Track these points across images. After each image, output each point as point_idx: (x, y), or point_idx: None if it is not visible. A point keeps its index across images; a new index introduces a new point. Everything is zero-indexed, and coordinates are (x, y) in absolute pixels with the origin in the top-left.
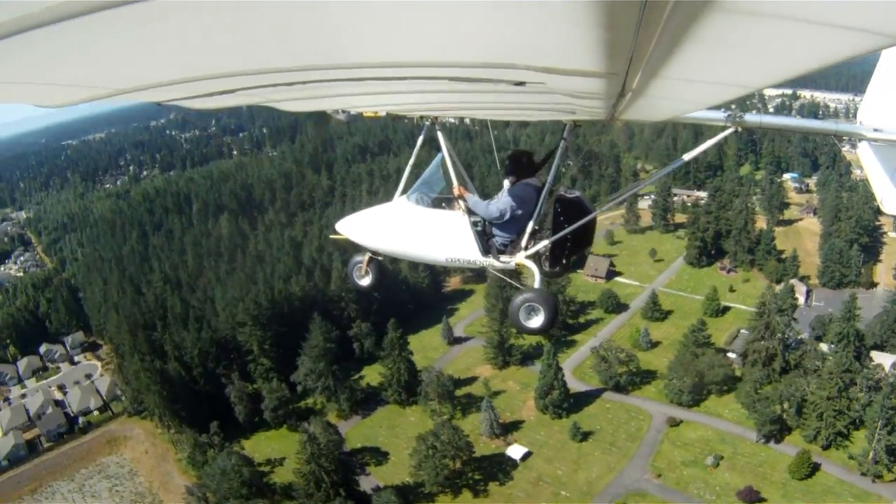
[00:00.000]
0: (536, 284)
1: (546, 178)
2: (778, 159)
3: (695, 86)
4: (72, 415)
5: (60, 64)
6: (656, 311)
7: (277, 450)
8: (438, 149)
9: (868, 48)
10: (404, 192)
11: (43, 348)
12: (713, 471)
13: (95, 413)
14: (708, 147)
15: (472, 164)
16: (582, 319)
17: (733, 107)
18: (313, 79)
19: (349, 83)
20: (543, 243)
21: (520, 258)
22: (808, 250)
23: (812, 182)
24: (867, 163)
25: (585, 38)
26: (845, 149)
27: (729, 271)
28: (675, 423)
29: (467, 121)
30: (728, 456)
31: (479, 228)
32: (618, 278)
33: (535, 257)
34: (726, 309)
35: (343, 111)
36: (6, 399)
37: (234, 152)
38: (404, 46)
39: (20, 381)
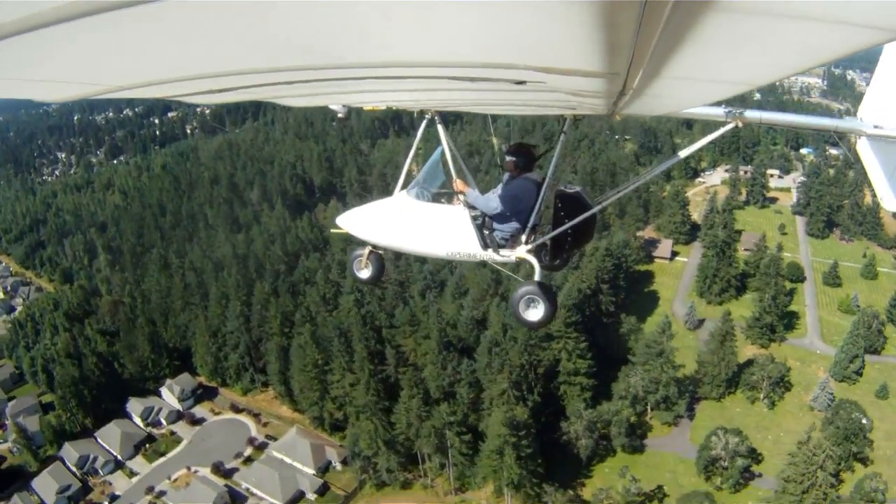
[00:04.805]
0: (537, 277)
1: (547, 172)
2: (797, 134)
3: (696, 84)
4: None
5: (64, 61)
6: (836, 277)
7: (653, 478)
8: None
9: (868, 43)
10: (404, 186)
11: (135, 406)
12: None
13: (313, 497)
14: (706, 143)
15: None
16: None
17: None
18: (314, 77)
19: (350, 81)
20: (544, 238)
21: (520, 252)
22: (890, 221)
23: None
24: (867, 160)
25: (586, 38)
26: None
27: (848, 241)
28: None
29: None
30: None
31: (479, 223)
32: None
33: (536, 251)
34: (876, 274)
35: (343, 105)
36: (113, 498)
37: (190, 131)
38: (405, 47)
39: (118, 464)
